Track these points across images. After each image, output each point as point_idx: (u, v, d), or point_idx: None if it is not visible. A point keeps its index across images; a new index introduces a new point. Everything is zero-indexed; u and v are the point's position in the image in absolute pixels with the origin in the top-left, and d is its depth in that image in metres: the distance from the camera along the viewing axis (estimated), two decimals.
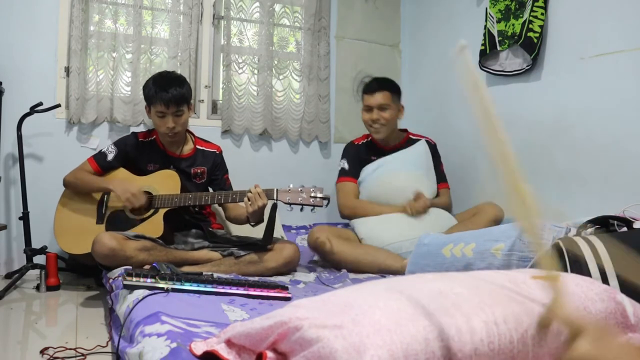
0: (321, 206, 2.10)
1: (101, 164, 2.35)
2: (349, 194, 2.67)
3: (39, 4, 2.69)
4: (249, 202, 2.10)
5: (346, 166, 2.73)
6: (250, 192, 2.10)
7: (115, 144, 2.40)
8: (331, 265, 2.39)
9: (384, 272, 2.27)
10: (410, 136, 2.81)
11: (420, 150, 2.72)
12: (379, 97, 2.62)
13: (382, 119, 2.63)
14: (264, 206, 2.12)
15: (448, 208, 2.68)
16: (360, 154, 2.73)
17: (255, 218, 2.17)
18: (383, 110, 2.63)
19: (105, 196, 2.32)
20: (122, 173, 2.37)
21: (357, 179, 2.70)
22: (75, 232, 2.29)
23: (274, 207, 2.16)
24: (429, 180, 2.67)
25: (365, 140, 2.79)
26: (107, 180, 2.30)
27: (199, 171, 2.40)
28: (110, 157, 2.36)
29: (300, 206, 2.09)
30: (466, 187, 2.91)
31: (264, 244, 2.19)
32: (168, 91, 2.22)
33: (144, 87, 2.32)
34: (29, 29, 2.67)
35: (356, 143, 2.80)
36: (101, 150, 2.41)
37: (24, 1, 2.66)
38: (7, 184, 2.68)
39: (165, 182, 2.28)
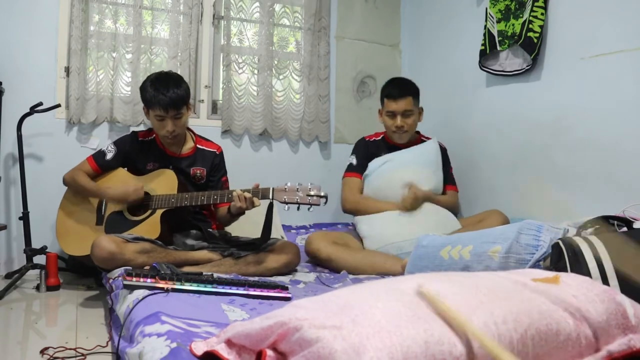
0: (318, 204, 2.03)
1: (100, 163, 2.35)
2: (353, 188, 2.67)
3: (39, 4, 2.69)
4: (233, 202, 2.09)
5: (354, 162, 2.72)
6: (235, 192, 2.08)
7: (115, 143, 2.40)
8: (330, 271, 2.38)
9: (384, 275, 2.24)
10: (422, 138, 2.80)
11: (431, 148, 2.70)
12: (403, 104, 2.60)
13: (406, 126, 2.62)
14: (247, 208, 2.09)
15: (454, 209, 2.65)
16: (370, 150, 2.72)
17: (236, 210, 2.16)
18: (407, 117, 2.61)
19: None
20: (120, 173, 2.37)
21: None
22: (77, 234, 2.29)
23: (270, 206, 2.15)
24: (436, 177, 2.64)
25: (378, 137, 2.78)
26: (101, 189, 2.27)
27: (198, 172, 2.38)
28: (109, 156, 2.35)
29: (297, 205, 2.05)
30: (467, 192, 2.90)
31: (262, 242, 2.19)
32: (166, 95, 2.18)
33: (141, 89, 2.28)
34: (29, 29, 2.67)
35: (368, 139, 2.79)
36: (101, 149, 2.41)
37: (24, 1, 2.66)
38: (7, 184, 2.68)
39: (162, 182, 2.27)
